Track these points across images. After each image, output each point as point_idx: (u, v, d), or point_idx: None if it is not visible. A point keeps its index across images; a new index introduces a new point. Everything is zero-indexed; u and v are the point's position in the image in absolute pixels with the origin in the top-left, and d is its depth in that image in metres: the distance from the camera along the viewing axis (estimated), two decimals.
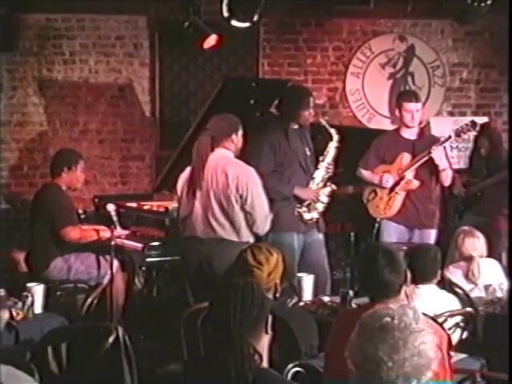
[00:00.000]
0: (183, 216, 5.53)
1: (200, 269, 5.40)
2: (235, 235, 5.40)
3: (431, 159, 6.52)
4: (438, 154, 6.50)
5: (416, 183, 6.61)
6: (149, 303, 6.68)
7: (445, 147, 6.67)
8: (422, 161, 6.54)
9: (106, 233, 6.10)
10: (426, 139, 6.78)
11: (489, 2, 7.07)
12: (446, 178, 6.63)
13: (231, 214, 5.38)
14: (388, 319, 2.40)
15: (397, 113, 6.88)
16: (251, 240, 5.42)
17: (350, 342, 2.44)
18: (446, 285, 5.15)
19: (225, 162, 5.42)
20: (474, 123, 6.70)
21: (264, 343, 2.90)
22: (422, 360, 2.37)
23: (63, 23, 8.38)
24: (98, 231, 6.24)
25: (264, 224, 5.47)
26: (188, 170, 5.57)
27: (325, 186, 6.35)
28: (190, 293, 5.45)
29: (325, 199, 6.33)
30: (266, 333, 2.91)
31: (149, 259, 6.41)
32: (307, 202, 6.27)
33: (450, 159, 6.89)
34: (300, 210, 6.26)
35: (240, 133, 5.56)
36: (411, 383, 2.35)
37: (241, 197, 5.34)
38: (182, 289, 6.13)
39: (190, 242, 5.51)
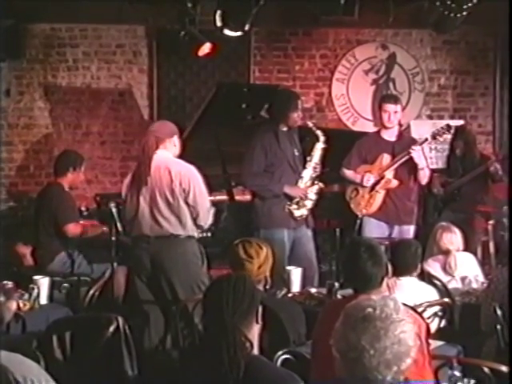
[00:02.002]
0: (130, 217, 5.38)
1: (151, 268, 5.33)
2: (181, 229, 5.29)
3: (410, 160, 6.54)
4: (416, 153, 6.52)
5: (395, 182, 6.61)
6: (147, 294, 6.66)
7: (423, 148, 6.68)
8: (401, 161, 6.55)
9: (105, 228, 6.10)
10: (405, 141, 6.79)
11: (464, 14, 7.09)
12: (424, 176, 6.64)
13: (176, 208, 5.28)
14: (370, 310, 2.40)
15: (377, 114, 6.90)
16: (196, 234, 5.37)
17: (334, 330, 2.45)
18: (425, 277, 5.16)
19: (167, 161, 5.34)
20: (448, 126, 6.73)
21: (255, 332, 2.91)
22: (401, 348, 2.38)
23: (67, 32, 8.37)
24: (97, 226, 6.25)
25: (206, 217, 5.38)
26: (130, 175, 5.52)
27: (312, 184, 6.35)
28: (144, 289, 5.37)
29: (313, 197, 6.34)
30: (257, 322, 2.91)
31: None
32: (296, 200, 6.27)
33: (427, 160, 6.90)
34: (290, 207, 6.26)
35: (177, 138, 5.49)
36: (392, 369, 2.36)
37: (184, 191, 5.25)
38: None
39: (138, 241, 5.38)
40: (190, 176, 5.30)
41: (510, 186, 5.63)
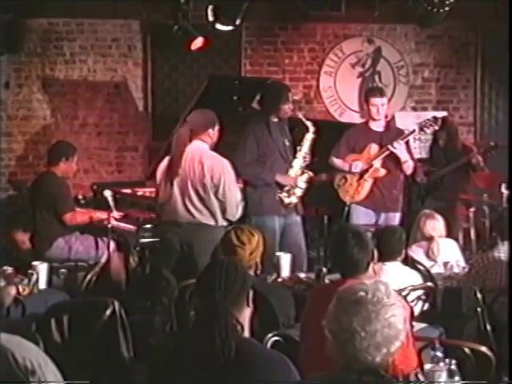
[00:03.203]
0: (162, 201, 5.49)
1: (180, 250, 5.37)
2: (212, 219, 5.39)
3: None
4: (398, 148, 6.53)
5: (383, 171, 6.61)
6: (142, 279, 6.67)
7: (408, 140, 6.70)
8: (386, 153, 6.56)
9: (101, 215, 6.09)
10: (392, 131, 6.79)
11: (447, 9, 7.08)
12: (408, 168, 6.65)
13: (207, 201, 5.36)
14: (362, 293, 2.41)
15: (365, 107, 6.89)
16: (225, 224, 5.41)
17: (327, 312, 2.45)
18: (409, 262, 5.17)
19: (201, 154, 5.39)
20: (435, 119, 6.73)
21: (246, 315, 2.91)
22: (391, 331, 2.39)
23: (64, 27, 8.33)
24: (94, 214, 6.24)
25: (234, 212, 5.46)
26: (166, 159, 5.54)
27: (302, 173, 6.35)
28: (168, 272, 5.40)
29: (302, 185, 6.33)
30: (248, 306, 2.91)
31: (142, 240, 6.40)
32: (287, 188, 6.27)
33: (412, 150, 6.91)
34: (280, 195, 6.25)
35: (216, 128, 5.55)
36: (381, 351, 2.38)
37: (214, 186, 5.33)
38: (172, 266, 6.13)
39: (169, 225, 5.46)
40: (222, 171, 5.35)
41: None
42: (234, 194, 5.44)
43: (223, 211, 5.41)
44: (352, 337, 2.36)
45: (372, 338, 2.35)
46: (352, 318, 2.36)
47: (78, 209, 6.49)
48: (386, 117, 6.92)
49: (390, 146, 6.50)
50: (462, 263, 5.63)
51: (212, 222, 5.37)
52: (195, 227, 5.33)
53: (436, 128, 6.94)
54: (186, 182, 5.36)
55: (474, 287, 4.64)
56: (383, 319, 2.37)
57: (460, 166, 7.10)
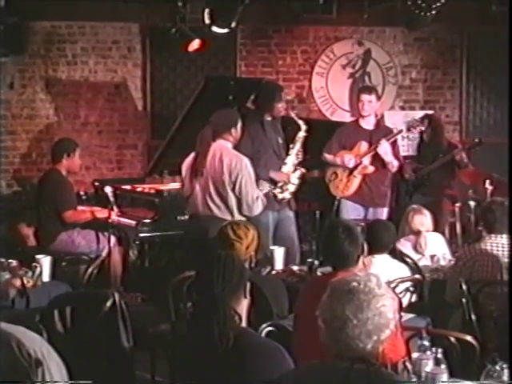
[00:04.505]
0: (186, 195, 5.58)
1: (198, 241, 5.39)
2: (229, 214, 5.40)
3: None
4: (383, 149, 6.56)
5: (371, 168, 6.63)
6: (141, 272, 6.67)
7: (396, 140, 6.73)
8: (374, 152, 6.59)
9: (101, 214, 6.08)
10: (382, 130, 6.81)
11: (434, 13, 7.09)
12: (392, 167, 6.68)
13: (225, 196, 5.40)
14: (355, 284, 2.45)
15: (355, 104, 6.93)
16: (243, 219, 5.42)
17: (321, 303, 2.47)
18: (398, 255, 5.17)
19: (222, 152, 5.42)
20: (422, 120, 6.79)
21: (243, 306, 2.91)
22: (382, 320, 2.41)
23: (66, 29, 8.31)
24: (94, 213, 6.23)
25: (250, 208, 5.46)
26: (192, 155, 5.56)
27: (295, 170, 6.35)
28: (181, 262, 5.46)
29: (295, 181, 6.33)
30: (245, 297, 2.92)
31: (141, 234, 6.40)
32: (280, 184, 6.27)
33: (399, 150, 6.93)
34: (274, 190, 6.26)
35: (239, 126, 5.57)
36: (372, 338, 2.39)
37: (232, 183, 5.36)
38: (170, 259, 6.14)
39: (190, 219, 5.61)
40: (240, 169, 5.38)
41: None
42: (250, 191, 5.43)
43: (239, 207, 5.43)
44: (344, 324, 2.38)
45: (363, 325, 2.38)
46: (345, 306, 2.39)
47: (80, 207, 6.45)
48: (376, 115, 6.93)
49: (377, 147, 6.53)
50: (449, 256, 5.64)
51: (228, 217, 5.37)
52: (213, 220, 5.33)
53: (422, 128, 6.99)
54: (207, 179, 5.41)
55: (459, 279, 4.65)
56: (374, 308, 2.41)
57: (445, 162, 7.12)
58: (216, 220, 5.32)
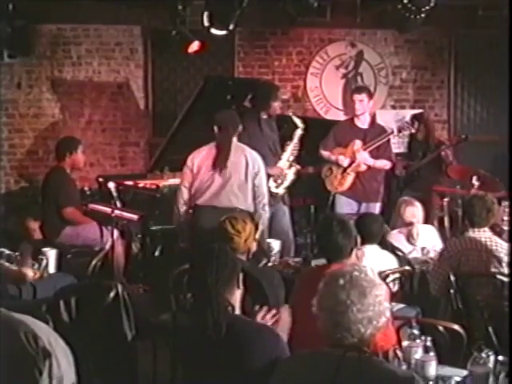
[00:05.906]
0: (200, 187, 5.50)
1: (198, 234, 5.37)
2: (244, 204, 5.44)
3: (379, 146, 6.62)
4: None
5: (364, 166, 6.65)
6: (143, 264, 6.66)
7: (389, 140, 6.78)
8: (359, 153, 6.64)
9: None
10: (376, 128, 6.85)
11: (423, 16, 7.10)
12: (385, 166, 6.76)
13: (245, 187, 5.44)
14: (356, 273, 2.50)
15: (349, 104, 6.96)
16: (251, 209, 5.45)
17: (319, 291, 2.50)
18: (389, 247, 5.17)
19: (242, 148, 5.54)
20: (412, 122, 6.85)
21: (237, 296, 2.92)
22: (380, 307, 2.47)
23: (71, 32, 8.29)
24: (91, 220, 6.22)
25: (264, 196, 5.53)
26: (205, 150, 5.53)
27: (290, 166, 6.36)
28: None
29: (290, 177, 6.34)
30: (238, 288, 2.92)
31: (145, 228, 6.38)
32: (275, 178, 6.26)
33: (392, 149, 6.96)
34: (269, 185, 6.26)
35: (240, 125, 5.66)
36: (372, 323, 2.43)
37: (255, 173, 5.45)
38: (170, 251, 6.13)
39: (205, 208, 5.48)
40: (259, 162, 5.53)
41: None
42: (265, 182, 5.60)
43: (256, 197, 5.48)
44: (348, 309, 2.42)
45: (366, 311, 2.43)
46: (350, 291, 2.44)
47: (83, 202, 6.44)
48: (369, 114, 6.96)
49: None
50: (438, 248, 5.63)
51: (243, 206, 5.41)
52: (228, 211, 5.30)
53: (413, 131, 7.03)
54: (229, 171, 5.45)
55: (447, 269, 4.65)
56: (374, 295, 2.46)
57: (434, 159, 7.13)
58: (231, 210, 5.28)
